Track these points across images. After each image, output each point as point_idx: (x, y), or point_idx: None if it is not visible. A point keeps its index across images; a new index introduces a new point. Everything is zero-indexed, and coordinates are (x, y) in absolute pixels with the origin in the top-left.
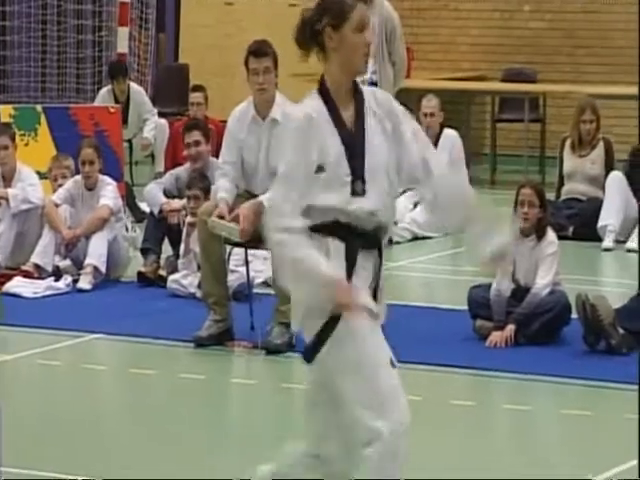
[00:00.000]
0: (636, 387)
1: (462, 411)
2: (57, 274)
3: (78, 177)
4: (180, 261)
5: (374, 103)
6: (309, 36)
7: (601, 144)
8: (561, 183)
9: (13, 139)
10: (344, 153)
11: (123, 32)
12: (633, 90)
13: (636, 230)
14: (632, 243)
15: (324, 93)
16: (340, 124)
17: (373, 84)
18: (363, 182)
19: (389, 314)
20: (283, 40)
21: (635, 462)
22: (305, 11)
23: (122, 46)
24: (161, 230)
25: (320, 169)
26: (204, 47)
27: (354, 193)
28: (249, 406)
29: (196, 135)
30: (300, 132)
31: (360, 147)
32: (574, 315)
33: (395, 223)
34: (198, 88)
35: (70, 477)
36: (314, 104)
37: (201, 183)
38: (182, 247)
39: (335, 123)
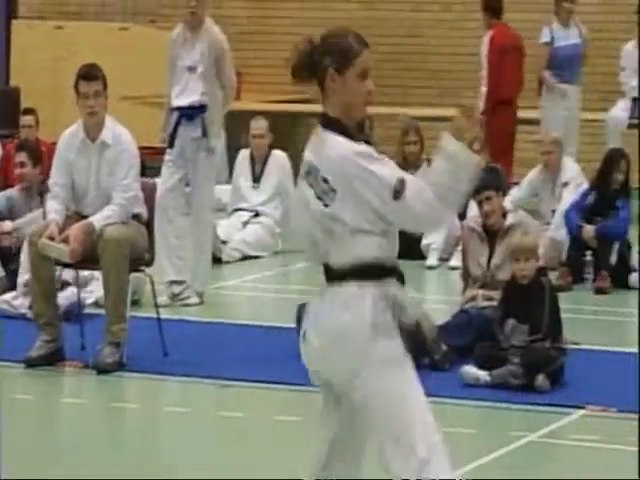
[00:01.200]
0: (456, 401)
1: (290, 427)
2: None
3: None
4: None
5: None
6: (309, 70)
7: (425, 165)
8: None
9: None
10: None
11: None
12: (453, 112)
13: (458, 248)
14: (455, 261)
15: (342, 128)
16: None
17: (202, 106)
18: None
19: (218, 333)
20: (113, 63)
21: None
22: (305, 42)
23: None
24: None
25: None
26: (35, 70)
27: None
28: (79, 426)
29: (22, 156)
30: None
31: None
32: None
33: (224, 243)
34: (29, 111)
35: None
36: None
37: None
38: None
39: None
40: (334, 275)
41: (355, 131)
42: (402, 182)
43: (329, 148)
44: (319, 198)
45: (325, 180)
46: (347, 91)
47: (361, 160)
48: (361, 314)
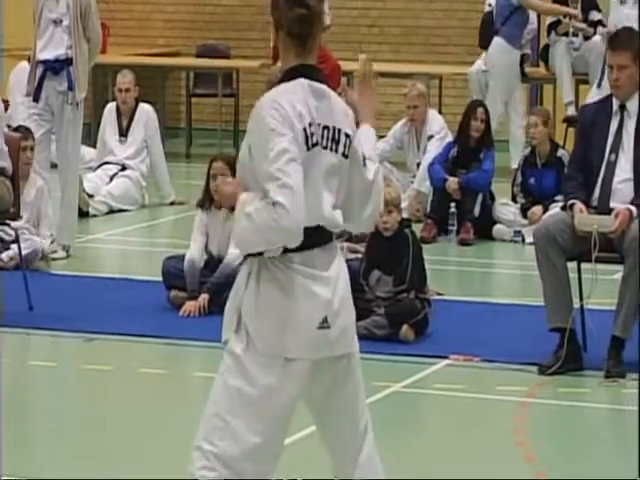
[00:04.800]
0: None
1: (155, 379)
2: None
3: None
4: None
5: None
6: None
7: None
8: None
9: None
10: None
11: None
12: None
13: None
14: None
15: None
16: None
17: (68, 60)
18: None
19: (84, 286)
20: None
21: None
22: None
23: None
24: None
25: None
26: None
27: None
28: None
29: None
30: None
31: None
32: None
33: (91, 196)
34: None
35: None
36: None
37: None
38: None
39: None
40: (330, 236)
41: None
42: None
43: (337, 103)
44: (345, 156)
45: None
46: None
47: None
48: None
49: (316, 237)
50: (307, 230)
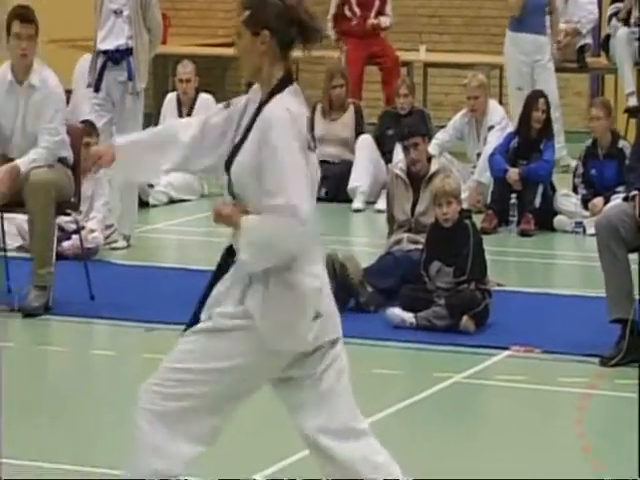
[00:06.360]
0: (382, 342)
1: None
2: None
3: None
4: None
5: None
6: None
7: (351, 108)
8: None
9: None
10: None
11: None
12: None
13: (384, 191)
14: (381, 204)
15: None
16: None
17: (129, 50)
18: None
19: (144, 276)
20: (42, 5)
21: None
22: None
23: None
24: None
25: None
26: None
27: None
28: (5, 368)
29: None
30: None
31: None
32: None
33: (151, 186)
34: None
35: None
36: None
37: None
38: None
39: None
40: None
41: None
42: None
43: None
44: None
45: None
46: None
47: None
48: None
49: None
50: None
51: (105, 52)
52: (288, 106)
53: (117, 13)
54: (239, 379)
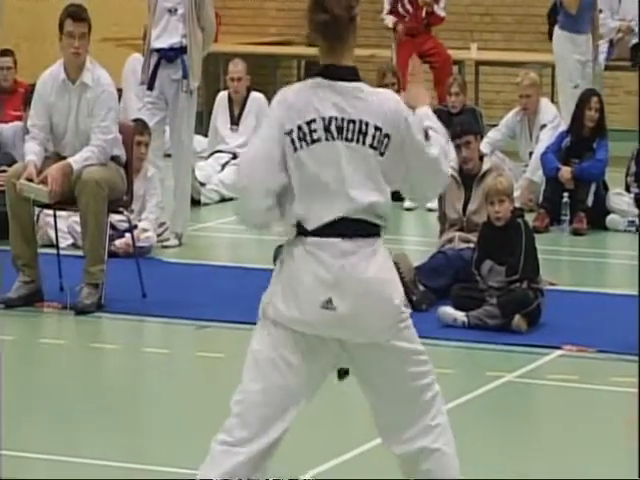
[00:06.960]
0: (434, 341)
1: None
2: None
3: None
4: None
5: None
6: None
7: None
8: None
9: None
10: None
11: None
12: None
13: None
14: (432, 203)
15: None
16: None
17: (183, 48)
18: None
19: (196, 274)
20: (94, 4)
21: None
22: None
23: None
24: None
25: None
26: (14, 11)
27: None
28: (58, 366)
29: None
30: None
31: None
32: None
33: (203, 185)
34: (6, 52)
35: None
36: None
37: None
38: None
39: None
40: (363, 230)
41: None
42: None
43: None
44: (373, 147)
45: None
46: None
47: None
48: (395, 271)
49: (339, 228)
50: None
51: (159, 50)
52: (286, 90)
53: (171, 11)
54: None
